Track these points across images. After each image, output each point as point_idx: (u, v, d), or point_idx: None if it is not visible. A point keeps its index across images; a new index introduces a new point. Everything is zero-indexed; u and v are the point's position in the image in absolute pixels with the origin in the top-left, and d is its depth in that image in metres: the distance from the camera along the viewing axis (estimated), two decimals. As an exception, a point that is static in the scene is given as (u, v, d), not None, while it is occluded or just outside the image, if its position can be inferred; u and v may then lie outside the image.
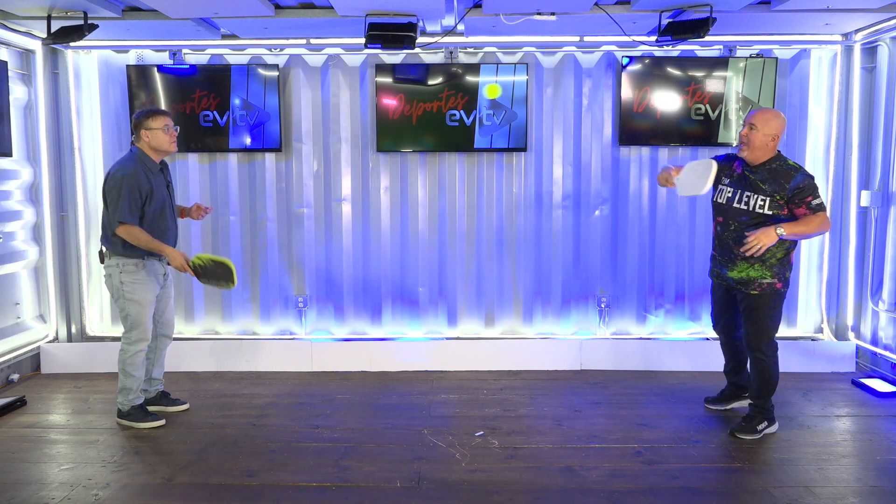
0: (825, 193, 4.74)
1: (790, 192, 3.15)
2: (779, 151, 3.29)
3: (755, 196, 3.23)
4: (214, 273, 3.54)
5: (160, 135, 3.49)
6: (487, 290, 4.89)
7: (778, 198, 3.18)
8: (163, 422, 3.64)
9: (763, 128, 3.19)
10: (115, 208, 3.38)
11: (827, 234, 4.72)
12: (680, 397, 4.04)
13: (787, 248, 3.27)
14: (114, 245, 3.48)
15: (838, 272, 4.76)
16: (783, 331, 4.83)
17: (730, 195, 3.35)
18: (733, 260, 3.35)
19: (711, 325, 3.77)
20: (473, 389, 4.22)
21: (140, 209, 3.43)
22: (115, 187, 3.38)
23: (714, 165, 3.24)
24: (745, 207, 3.27)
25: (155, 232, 3.49)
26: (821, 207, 3.15)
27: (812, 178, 3.18)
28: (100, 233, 3.61)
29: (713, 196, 3.47)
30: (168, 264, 3.61)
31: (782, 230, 3.09)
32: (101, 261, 3.59)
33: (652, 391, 4.16)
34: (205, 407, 3.92)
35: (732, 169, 3.39)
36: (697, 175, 3.29)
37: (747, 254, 3.17)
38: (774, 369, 3.39)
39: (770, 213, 3.20)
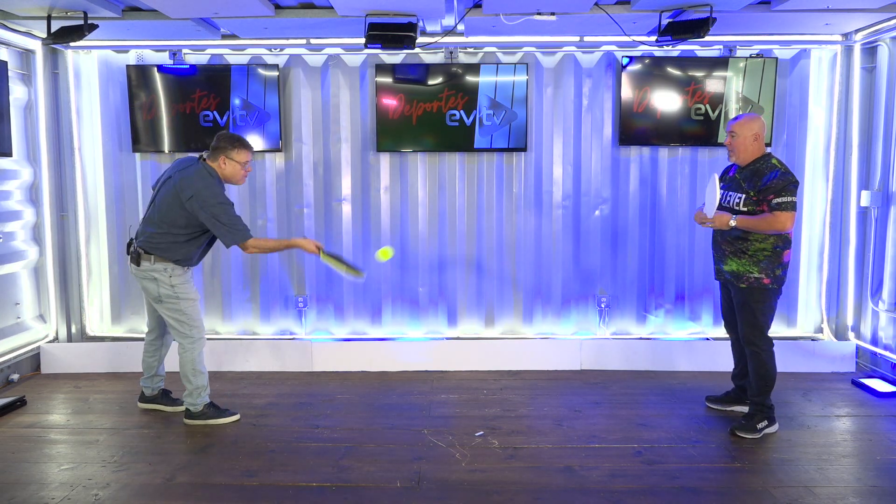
0: (825, 193, 4.75)
1: (760, 187, 3.26)
2: (769, 153, 3.38)
3: (735, 194, 3.39)
4: (339, 265, 3.65)
5: (238, 169, 3.48)
6: (487, 290, 4.89)
7: (752, 194, 3.29)
8: (238, 416, 3.69)
9: (741, 131, 3.36)
10: (234, 229, 3.36)
11: (827, 235, 4.73)
12: (680, 397, 4.04)
13: (775, 246, 3.31)
14: (167, 252, 3.43)
15: (838, 272, 4.76)
16: (783, 331, 4.85)
17: (721, 195, 3.51)
18: (724, 256, 3.48)
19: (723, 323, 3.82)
20: (473, 389, 4.22)
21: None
22: (223, 213, 3.35)
23: (715, 177, 3.42)
24: (728, 205, 3.42)
25: (206, 246, 3.58)
26: (780, 207, 3.19)
27: (786, 179, 3.21)
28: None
29: None
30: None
31: (734, 221, 3.29)
32: (137, 263, 3.47)
33: (652, 391, 4.16)
34: (205, 407, 3.92)
35: (727, 173, 3.58)
36: (710, 194, 3.49)
37: (704, 224, 3.42)
38: (771, 364, 3.41)
39: (745, 209, 3.31)
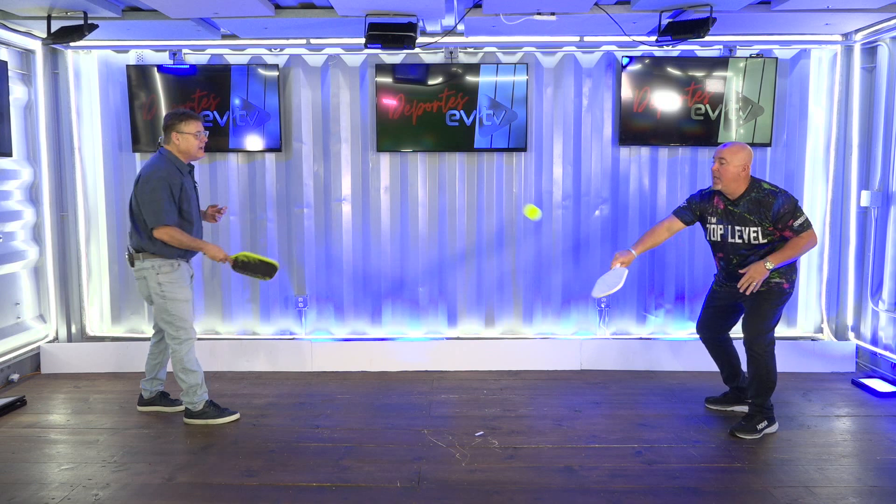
0: (825, 193, 4.76)
1: (773, 218, 3.26)
2: (752, 178, 3.37)
3: (746, 229, 3.34)
4: (255, 269, 3.63)
5: (191, 139, 3.50)
6: (487, 290, 4.89)
7: (767, 225, 3.29)
8: (238, 415, 3.69)
9: (732, 160, 3.31)
10: (154, 210, 3.37)
11: (827, 235, 4.73)
12: (680, 397, 4.04)
13: None
14: (150, 246, 3.46)
15: (838, 272, 4.76)
16: (783, 331, 4.84)
17: (722, 232, 3.45)
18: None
19: (696, 326, 3.77)
20: (473, 389, 4.22)
21: (177, 210, 3.45)
22: (153, 189, 3.37)
23: (621, 283, 3.45)
24: (742, 241, 3.37)
25: (186, 231, 3.52)
26: (803, 227, 3.25)
27: (790, 198, 3.27)
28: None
29: (706, 235, 3.57)
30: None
31: (770, 263, 3.21)
32: (132, 264, 3.55)
33: (652, 391, 4.16)
34: (205, 407, 3.92)
35: (714, 205, 3.47)
36: (609, 282, 3.54)
37: (747, 293, 3.26)
38: (772, 367, 3.40)
39: (765, 241, 3.32)
